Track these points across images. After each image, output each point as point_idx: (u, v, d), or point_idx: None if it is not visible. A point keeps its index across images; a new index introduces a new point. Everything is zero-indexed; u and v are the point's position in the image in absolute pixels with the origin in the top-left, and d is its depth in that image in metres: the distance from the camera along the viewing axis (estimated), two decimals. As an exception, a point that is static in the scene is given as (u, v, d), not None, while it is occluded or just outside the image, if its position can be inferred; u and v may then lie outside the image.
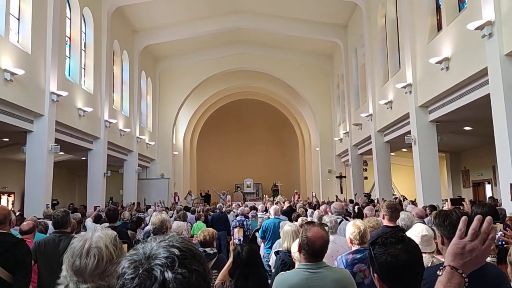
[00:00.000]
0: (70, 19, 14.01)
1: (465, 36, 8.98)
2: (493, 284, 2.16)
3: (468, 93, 9.61)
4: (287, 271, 3.16)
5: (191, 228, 9.38)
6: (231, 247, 3.92)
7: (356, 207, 11.86)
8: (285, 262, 4.33)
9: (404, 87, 12.03)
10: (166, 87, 23.07)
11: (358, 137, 18.56)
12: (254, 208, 13.07)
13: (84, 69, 14.93)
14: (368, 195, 17.04)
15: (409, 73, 12.02)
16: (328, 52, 22.91)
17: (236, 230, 6.49)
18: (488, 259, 2.76)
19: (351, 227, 3.90)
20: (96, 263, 1.57)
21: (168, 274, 0.93)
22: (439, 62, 9.96)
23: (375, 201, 14.27)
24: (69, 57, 13.93)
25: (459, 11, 9.88)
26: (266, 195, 24.99)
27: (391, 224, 4.44)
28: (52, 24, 11.62)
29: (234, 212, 13.85)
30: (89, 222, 9.10)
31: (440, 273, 1.32)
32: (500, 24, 7.54)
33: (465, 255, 1.29)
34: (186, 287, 0.94)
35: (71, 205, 15.05)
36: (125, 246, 1.79)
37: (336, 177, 22.55)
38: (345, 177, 22.14)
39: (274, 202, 16.97)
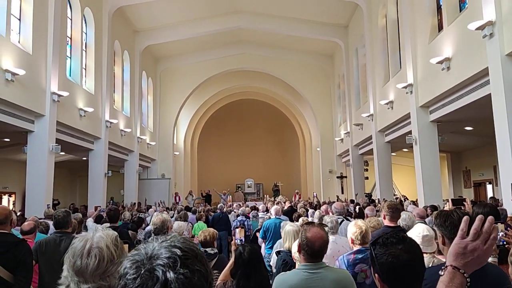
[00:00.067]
0: (71, 20, 14.02)
1: (466, 36, 8.98)
2: (495, 284, 2.16)
3: (469, 93, 9.60)
4: (287, 272, 3.16)
5: (192, 228, 9.38)
6: (233, 247, 3.92)
7: (357, 207, 11.85)
8: (287, 262, 4.33)
9: (405, 87, 12.03)
10: (167, 87, 23.08)
11: (359, 137, 18.56)
12: (255, 208, 13.08)
13: (85, 69, 14.95)
14: (369, 195, 17.03)
15: (410, 73, 12.02)
16: (328, 52, 22.92)
17: (237, 230, 6.50)
18: (489, 259, 2.76)
19: (353, 227, 3.90)
20: (97, 263, 1.57)
21: (170, 274, 0.93)
22: (440, 62, 9.96)
23: (376, 201, 14.27)
24: (70, 58, 13.94)
25: (460, 11, 9.88)
26: (267, 195, 24.95)
27: (392, 224, 4.44)
28: (53, 24, 11.63)
29: (235, 212, 13.85)
30: (90, 222, 9.11)
31: (442, 273, 1.31)
32: (501, 24, 7.53)
33: (467, 255, 1.29)
34: (188, 287, 0.94)
35: (72, 205, 15.06)
36: (126, 246, 1.79)
37: (337, 177, 22.55)
38: (346, 177, 22.13)
39: (275, 202, 16.98)
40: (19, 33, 10.91)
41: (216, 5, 18.30)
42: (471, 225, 1.31)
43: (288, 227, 4.80)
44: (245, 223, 10.64)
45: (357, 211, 10.82)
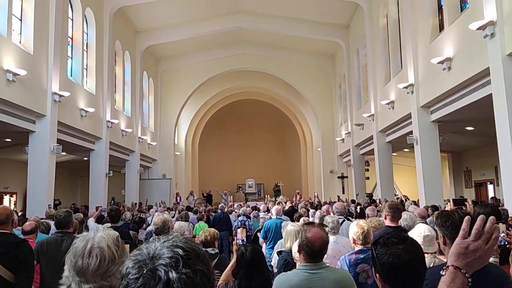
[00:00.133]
0: (72, 20, 14.04)
1: (467, 36, 8.97)
2: (496, 285, 2.16)
3: (470, 93, 9.59)
4: (287, 272, 3.16)
5: (193, 228, 9.38)
6: (234, 248, 3.93)
7: (358, 207, 11.85)
8: (288, 262, 4.33)
9: (406, 87, 12.02)
10: (168, 87, 23.10)
11: (360, 137, 18.55)
12: (256, 208, 13.08)
13: (86, 69, 14.96)
14: (370, 195, 17.02)
15: (411, 73, 12.01)
16: (329, 52, 22.91)
17: (239, 230, 6.49)
18: (491, 260, 2.76)
19: (355, 227, 3.90)
20: (98, 263, 1.57)
21: (173, 274, 0.94)
22: (441, 62, 9.95)
23: (377, 201, 14.26)
24: (71, 58, 13.95)
25: (461, 11, 9.87)
26: (268, 195, 24.94)
27: (393, 224, 4.43)
28: (54, 24, 11.64)
29: (236, 212, 13.85)
30: (91, 222, 9.12)
31: (443, 273, 1.32)
32: (502, 24, 7.53)
33: (468, 255, 1.29)
34: (190, 287, 0.94)
35: (73, 205, 15.09)
36: (127, 246, 1.79)
37: (338, 177, 22.53)
38: (347, 177, 22.11)
39: (276, 202, 16.97)
40: (20, 33, 10.92)
41: (216, 5, 18.31)
42: (472, 225, 1.31)
43: (289, 227, 4.80)
44: (246, 223, 10.64)
45: (358, 211, 10.82)
